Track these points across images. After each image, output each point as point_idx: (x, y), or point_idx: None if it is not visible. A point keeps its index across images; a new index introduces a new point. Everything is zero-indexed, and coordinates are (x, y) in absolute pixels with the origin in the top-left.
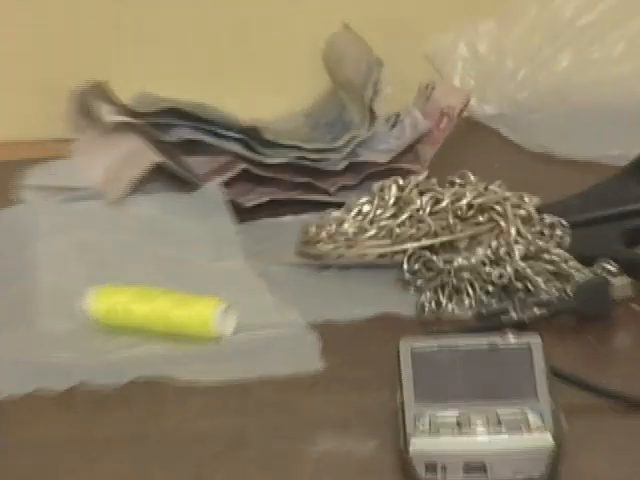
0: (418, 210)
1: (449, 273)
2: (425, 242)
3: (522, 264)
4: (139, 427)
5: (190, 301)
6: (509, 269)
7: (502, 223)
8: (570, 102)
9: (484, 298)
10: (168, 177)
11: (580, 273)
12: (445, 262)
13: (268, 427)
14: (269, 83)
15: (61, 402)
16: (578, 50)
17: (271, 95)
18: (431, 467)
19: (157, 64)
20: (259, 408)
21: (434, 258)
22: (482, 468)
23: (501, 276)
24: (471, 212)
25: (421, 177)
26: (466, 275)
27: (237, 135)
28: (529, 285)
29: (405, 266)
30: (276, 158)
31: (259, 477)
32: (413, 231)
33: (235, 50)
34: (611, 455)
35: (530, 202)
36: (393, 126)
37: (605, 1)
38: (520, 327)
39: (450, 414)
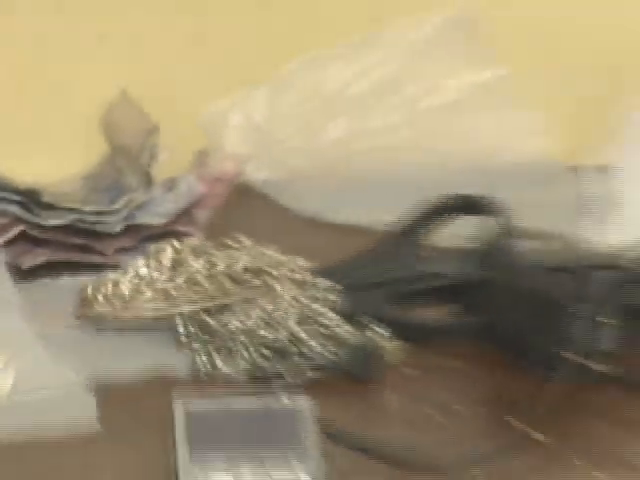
0: (194, 273)
1: (224, 336)
2: (201, 305)
3: (296, 328)
4: None
5: None
6: (284, 333)
7: (277, 287)
8: (344, 170)
9: (260, 360)
10: None
11: (353, 336)
12: (221, 325)
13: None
14: (46, 146)
15: None
16: (353, 118)
17: (48, 158)
18: None
19: None
20: (36, 465)
21: (210, 321)
22: None
23: (276, 339)
24: (247, 275)
25: (196, 240)
26: (241, 338)
27: (15, 197)
28: (303, 348)
29: (181, 329)
30: (54, 220)
31: None
32: (189, 293)
33: (11, 112)
34: None
35: (304, 266)
36: (169, 190)
37: (381, 69)
38: (294, 389)
39: (221, 476)
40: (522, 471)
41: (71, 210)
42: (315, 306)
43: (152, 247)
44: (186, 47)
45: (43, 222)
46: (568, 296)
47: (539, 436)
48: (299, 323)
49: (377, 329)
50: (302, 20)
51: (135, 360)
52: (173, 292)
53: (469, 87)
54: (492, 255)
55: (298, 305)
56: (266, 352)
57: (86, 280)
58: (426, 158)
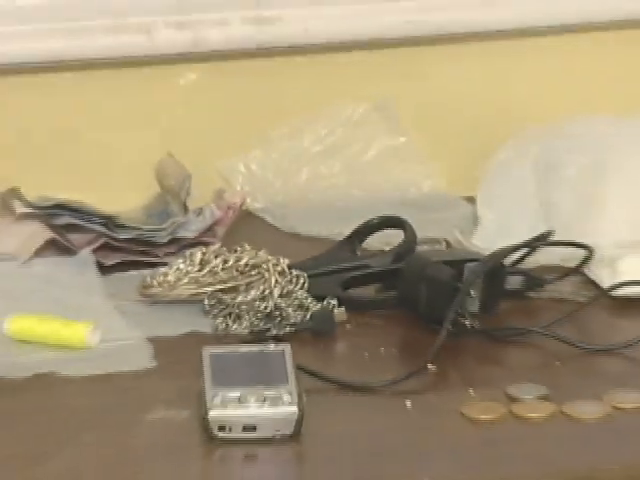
0: (214, 267)
1: (233, 306)
2: (218, 287)
3: (279, 300)
4: (39, 403)
5: (71, 324)
6: (271, 303)
7: (266, 275)
8: (311, 200)
9: (256, 322)
10: (57, 247)
11: (315, 306)
12: (231, 299)
13: (121, 401)
14: (122, 186)
15: None
16: (315, 167)
17: (123, 195)
18: (221, 428)
19: (50, 175)
20: (115, 390)
21: (224, 297)
22: (254, 428)
23: (266, 308)
24: (247, 268)
25: (216, 246)
26: (244, 307)
27: (100, 220)
28: (283, 314)
29: (206, 302)
30: (125, 234)
31: (112, 434)
32: (211, 280)
33: (102, 163)
34: (338, 420)
35: (284, 262)
36: (198, 215)
37: (331, 136)
38: (278, 339)
39: (234, 394)
40: (421, 389)
41: (136, 228)
42: (291, 287)
43: (187, 252)
44: (208, 123)
45: (118, 236)
46: (451, 278)
47: (433, 367)
48: (281, 297)
49: (330, 301)
50: (277, 102)
51: (177, 324)
52: (201, 279)
53: (387, 148)
54: (403, 253)
55: (280, 286)
56: (260, 316)
57: (146, 273)
58: (360, 193)
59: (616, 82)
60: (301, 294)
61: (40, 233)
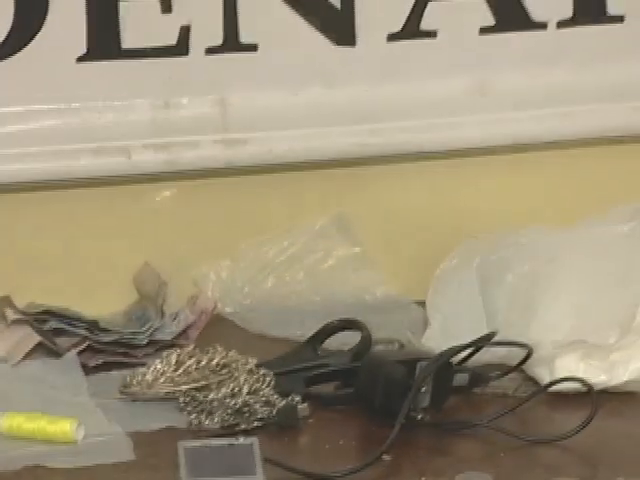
0: (189, 367)
1: (206, 403)
2: (192, 385)
3: (247, 397)
4: None
5: (57, 420)
6: (240, 400)
7: (236, 374)
8: (275, 307)
9: (226, 417)
10: (45, 349)
11: (280, 402)
12: (204, 397)
13: None
14: (103, 293)
15: None
16: (279, 276)
17: (104, 299)
18: None
19: (39, 282)
20: None
21: (197, 394)
22: None
23: (235, 404)
24: (218, 367)
25: (190, 348)
26: (215, 404)
27: (84, 324)
28: (251, 409)
29: (180, 399)
30: (107, 338)
31: None
32: (185, 379)
33: (81, 273)
34: None
35: (252, 361)
36: (174, 319)
37: (292, 248)
38: (247, 433)
39: None
40: (377, 477)
41: (117, 332)
42: (258, 384)
43: (164, 353)
44: (182, 235)
45: (101, 339)
46: (404, 376)
47: (387, 457)
48: (249, 394)
49: (295, 397)
50: (245, 216)
51: (154, 419)
52: (176, 379)
53: (344, 257)
54: (360, 352)
55: (248, 384)
56: (230, 412)
57: (126, 373)
58: (320, 298)
59: (555, 197)
60: (268, 391)
61: (29, 337)
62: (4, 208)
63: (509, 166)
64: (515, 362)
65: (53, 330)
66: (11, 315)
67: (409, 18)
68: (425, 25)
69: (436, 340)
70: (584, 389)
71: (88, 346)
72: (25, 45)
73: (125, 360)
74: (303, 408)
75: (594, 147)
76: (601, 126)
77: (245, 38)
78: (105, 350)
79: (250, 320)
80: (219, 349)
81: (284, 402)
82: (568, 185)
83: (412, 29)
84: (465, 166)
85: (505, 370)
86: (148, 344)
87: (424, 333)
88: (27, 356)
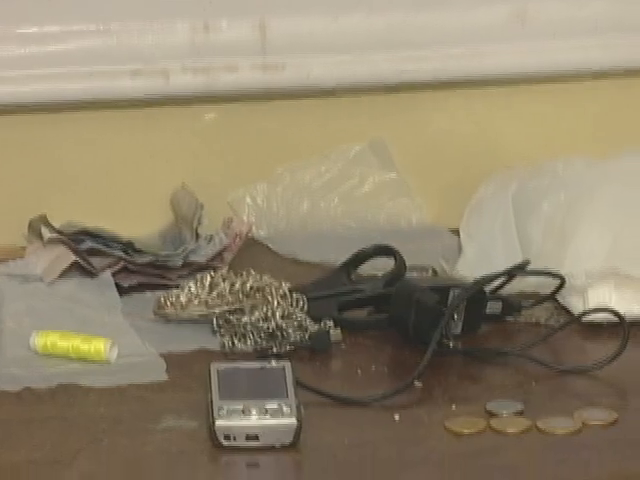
0: (222, 290)
1: (239, 326)
2: (225, 308)
3: (280, 321)
4: (60, 411)
5: (92, 339)
6: (273, 323)
7: (269, 298)
8: (310, 230)
9: (259, 341)
10: (80, 269)
11: (313, 326)
12: (237, 320)
13: (135, 412)
14: (140, 215)
15: (16, 397)
16: (315, 200)
17: (140, 222)
18: (227, 437)
19: (76, 204)
20: (130, 401)
21: (231, 317)
22: (256, 437)
23: (268, 328)
24: (252, 291)
25: (224, 271)
26: (249, 327)
27: (119, 245)
28: (284, 333)
29: (214, 322)
30: (142, 259)
31: (127, 440)
32: (219, 302)
33: (121, 197)
34: (333, 428)
35: (285, 286)
36: (209, 242)
37: (328, 173)
38: (279, 357)
39: (238, 406)
40: (408, 403)
41: (152, 253)
42: (291, 309)
43: (198, 275)
44: (219, 159)
45: (136, 260)
46: (437, 303)
47: (419, 384)
48: (282, 318)
49: (327, 322)
50: (281, 141)
51: (187, 341)
52: (210, 301)
53: (379, 184)
54: (394, 279)
55: (281, 308)
56: (263, 336)
57: (160, 294)
58: (355, 224)
59: (594, 129)
60: (301, 315)
61: (65, 257)
62: (43, 127)
63: (549, 96)
64: (549, 292)
65: (89, 250)
66: (47, 234)
67: None
68: None
69: (469, 268)
70: (616, 320)
71: (123, 267)
72: None
73: (159, 282)
74: (336, 333)
75: (635, 79)
76: None
77: None
78: (140, 271)
79: (284, 244)
80: (253, 273)
81: (317, 327)
82: (607, 117)
83: None
84: (504, 95)
85: (538, 299)
86: (182, 266)
87: (457, 261)
88: (62, 275)
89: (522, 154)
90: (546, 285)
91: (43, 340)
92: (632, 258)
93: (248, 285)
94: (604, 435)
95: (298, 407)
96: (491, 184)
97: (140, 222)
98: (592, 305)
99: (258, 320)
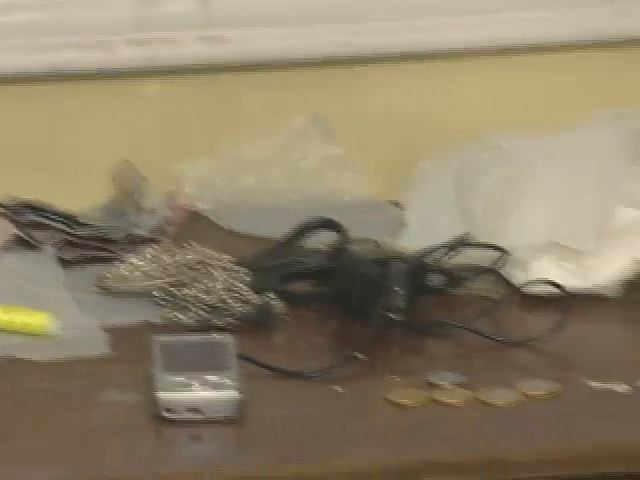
0: (164, 262)
1: (181, 299)
2: (167, 280)
3: (223, 294)
4: (4, 387)
5: (34, 313)
6: (215, 296)
7: (211, 270)
8: (254, 203)
9: (202, 314)
10: (23, 243)
11: (256, 299)
12: (179, 292)
13: (81, 385)
14: (82, 188)
15: None
16: (259, 174)
17: (82, 195)
18: (169, 409)
19: (17, 178)
20: (73, 374)
21: (173, 290)
22: (197, 410)
23: (210, 300)
24: (194, 264)
25: (166, 244)
26: (191, 300)
27: (61, 219)
28: (227, 306)
29: (156, 294)
30: (84, 232)
31: (71, 415)
32: (161, 274)
33: (63, 168)
34: (276, 401)
35: (227, 259)
36: (151, 215)
37: (272, 147)
38: (222, 330)
39: (180, 379)
40: (350, 376)
41: (94, 226)
42: (233, 281)
43: (141, 248)
44: (162, 132)
45: (77, 233)
46: (378, 275)
47: (361, 356)
48: (224, 291)
49: (270, 295)
50: (224, 115)
51: (130, 314)
52: (152, 274)
53: (323, 157)
54: (337, 251)
55: (224, 281)
56: (205, 308)
57: (102, 267)
58: (298, 197)
59: (539, 102)
60: (243, 288)
61: (6, 229)
62: None
63: (492, 70)
64: (490, 264)
65: (30, 223)
66: None
67: None
68: None
69: (412, 241)
70: (558, 292)
71: (65, 240)
72: None
73: (102, 255)
74: (278, 306)
75: (578, 52)
76: (585, 30)
77: None
78: (82, 244)
79: (227, 218)
80: (195, 246)
81: (259, 299)
82: (552, 90)
83: None
84: (447, 69)
85: (480, 272)
86: (125, 239)
87: (400, 234)
88: (3, 248)
89: (466, 128)
90: (489, 259)
91: None
92: (574, 232)
93: (190, 257)
94: (547, 407)
95: (240, 380)
96: (434, 158)
97: (82, 197)
98: (533, 277)
99: (200, 293)
